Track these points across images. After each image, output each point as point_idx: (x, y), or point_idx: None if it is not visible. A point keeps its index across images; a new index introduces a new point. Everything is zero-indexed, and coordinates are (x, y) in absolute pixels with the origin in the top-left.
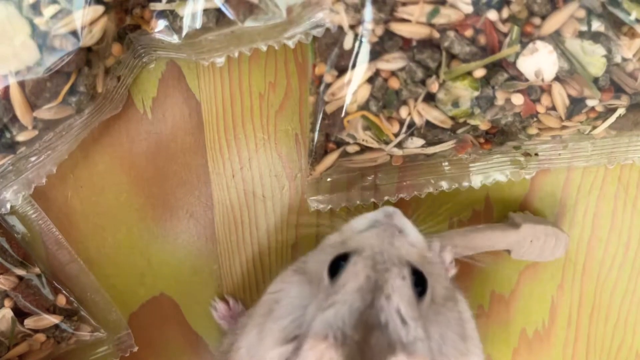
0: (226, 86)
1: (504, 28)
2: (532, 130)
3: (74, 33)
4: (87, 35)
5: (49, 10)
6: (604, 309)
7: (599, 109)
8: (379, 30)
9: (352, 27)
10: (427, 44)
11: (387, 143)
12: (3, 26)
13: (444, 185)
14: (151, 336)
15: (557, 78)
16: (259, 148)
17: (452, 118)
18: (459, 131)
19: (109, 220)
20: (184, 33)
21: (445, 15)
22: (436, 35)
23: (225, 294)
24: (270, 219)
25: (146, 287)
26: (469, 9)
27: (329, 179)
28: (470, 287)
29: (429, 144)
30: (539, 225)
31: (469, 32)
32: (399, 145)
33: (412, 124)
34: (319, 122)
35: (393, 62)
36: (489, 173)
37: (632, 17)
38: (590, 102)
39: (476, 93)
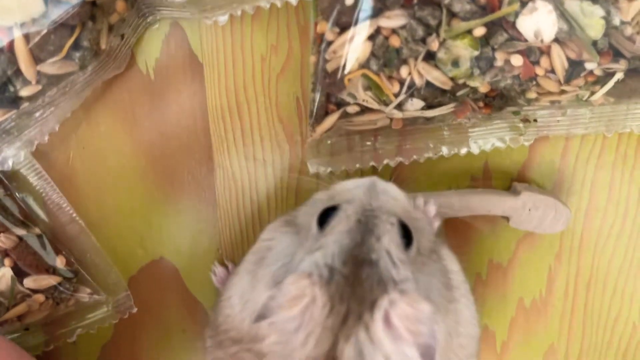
0: (228, 48)
1: None
2: (531, 95)
3: None
4: None
5: None
6: (601, 280)
7: (598, 72)
8: None
9: None
10: (428, 1)
11: (387, 104)
12: None
13: (444, 150)
14: (150, 300)
15: (556, 40)
16: (260, 111)
17: (452, 79)
18: (459, 93)
19: (110, 182)
20: None
21: None
22: None
23: (224, 258)
24: (271, 184)
25: (146, 251)
26: None
27: (329, 142)
28: (468, 255)
29: (429, 106)
30: (539, 195)
31: None
32: (399, 106)
33: (412, 84)
34: (320, 81)
35: (394, 19)
36: (488, 139)
37: None
38: (589, 65)
39: (476, 53)
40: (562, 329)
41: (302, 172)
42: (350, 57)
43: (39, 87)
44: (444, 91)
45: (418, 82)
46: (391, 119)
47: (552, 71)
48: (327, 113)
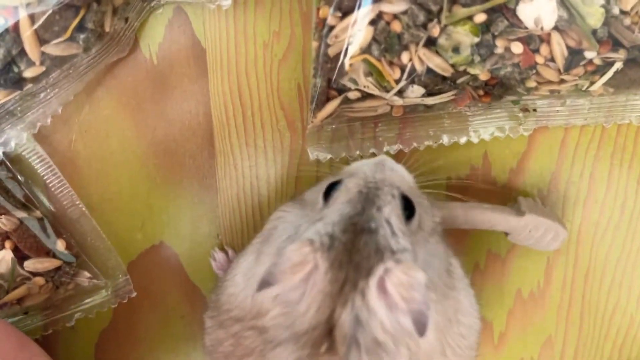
0: (231, 34)
1: None
2: (531, 84)
3: None
4: None
5: None
6: (599, 271)
7: (597, 62)
8: None
9: None
10: None
11: (387, 90)
12: None
13: (444, 138)
14: (149, 286)
15: (556, 28)
16: (261, 97)
17: (453, 66)
18: (459, 81)
19: (112, 166)
20: None
21: None
22: None
23: (224, 244)
24: (271, 170)
25: (146, 236)
26: None
27: (329, 128)
28: (467, 245)
29: (430, 93)
30: (542, 218)
31: None
32: (400, 93)
33: (413, 71)
34: (322, 66)
35: (396, 4)
36: (487, 128)
37: None
38: (588, 54)
39: (476, 39)
40: (560, 320)
41: (302, 159)
42: (351, 42)
43: (43, 69)
44: (444, 78)
45: (419, 68)
46: (392, 106)
47: (552, 59)
48: (328, 99)
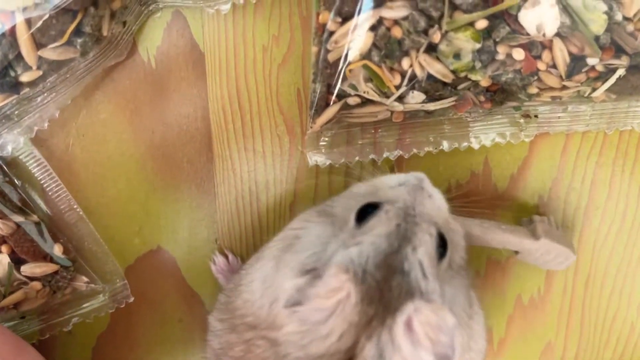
0: (230, 38)
1: None
2: (532, 90)
3: None
4: None
5: None
6: (599, 278)
7: (599, 68)
8: None
9: None
10: None
11: (388, 96)
12: None
13: (444, 144)
14: (147, 290)
15: (558, 34)
16: (260, 102)
17: (453, 72)
18: (460, 87)
19: (109, 170)
20: None
21: None
22: None
23: (224, 248)
24: (270, 175)
25: (144, 240)
26: None
27: (329, 134)
28: (467, 251)
29: (430, 99)
30: (556, 244)
31: None
32: (400, 99)
33: (413, 77)
34: (321, 71)
35: (396, 9)
36: (488, 134)
37: None
38: (590, 61)
39: (478, 45)
40: (560, 327)
41: (301, 164)
42: (351, 47)
43: (40, 73)
44: (445, 84)
45: (419, 74)
46: (392, 112)
47: (554, 66)
48: (327, 104)
